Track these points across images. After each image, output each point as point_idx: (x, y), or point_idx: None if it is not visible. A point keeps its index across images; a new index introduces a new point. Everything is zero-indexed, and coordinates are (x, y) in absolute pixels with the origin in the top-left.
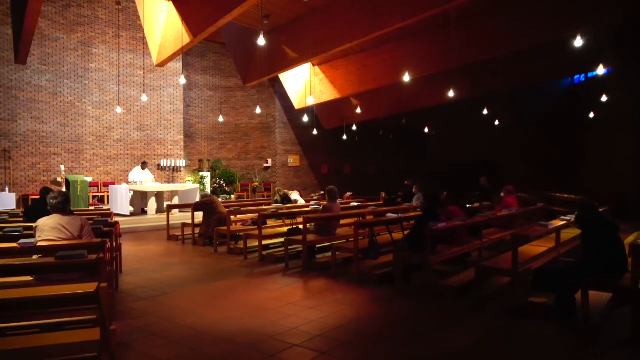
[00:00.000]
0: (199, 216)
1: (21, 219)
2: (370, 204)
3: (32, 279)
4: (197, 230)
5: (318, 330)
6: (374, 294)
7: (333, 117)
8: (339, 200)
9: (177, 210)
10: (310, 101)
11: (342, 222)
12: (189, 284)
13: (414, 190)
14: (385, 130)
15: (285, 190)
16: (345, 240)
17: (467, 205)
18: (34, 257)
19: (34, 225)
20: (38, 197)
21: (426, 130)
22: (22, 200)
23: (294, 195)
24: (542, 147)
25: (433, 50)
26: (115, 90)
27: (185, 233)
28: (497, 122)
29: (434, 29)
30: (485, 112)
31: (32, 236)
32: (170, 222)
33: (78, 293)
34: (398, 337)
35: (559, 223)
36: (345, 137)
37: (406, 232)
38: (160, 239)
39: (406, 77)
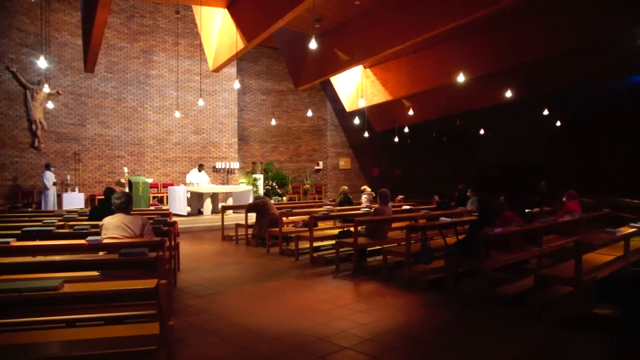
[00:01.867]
0: (252, 217)
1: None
2: (422, 207)
3: (98, 274)
4: (250, 231)
5: (368, 333)
6: (425, 299)
7: (384, 119)
8: (390, 203)
9: (231, 211)
10: (362, 103)
11: (394, 225)
12: (242, 284)
13: (468, 193)
14: (437, 132)
15: (354, 189)
16: (396, 244)
17: (526, 210)
18: (100, 253)
19: (100, 223)
20: (103, 197)
21: (481, 132)
22: (90, 200)
23: (364, 196)
24: (603, 150)
25: (486, 50)
26: (174, 96)
27: (238, 233)
28: (556, 123)
29: (487, 28)
30: (544, 112)
31: (99, 234)
32: (225, 223)
33: (139, 289)
34: (449, 343)
35: (629, 230)
36: (396, 139)
37: (460, 237)
38: (215, 238)
39: (459, 78)
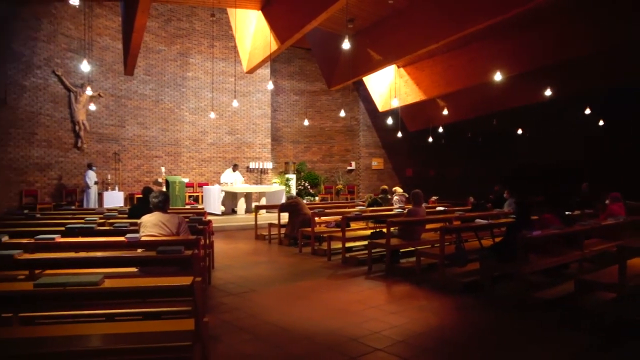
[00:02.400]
0: (285, 217)
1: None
2: (457, 208)
3: (136, 270)
4: (282, 231)
5: (401, 335)
6: (459, 303)
7: (418, 119)
8: (423, 204)
9: (264, 211)
10: (395, 103)
11: (427, 226)
12: (275, 283)
13: (505, 195)
14: (472, 132)
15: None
16: (430, 246)
17: (567, 213)
18: (138, 250)
19: (138, 221)
20: (141, 196)
21: (519, 131)
22: (129, 198)
23: (395, 197)
24: None
25: (523, 48)
26: (209, 97)
27: (271, 233)
28: (599, 123)
29: (523, 25)
30: (586, 111)
31: (137, 231)
32: (258, 222)
33: (175, 285)
34: (483, 348)
35: None
36: (430, 139)
37: (497, 240)
38: (248, 237)
39: (495, 77)
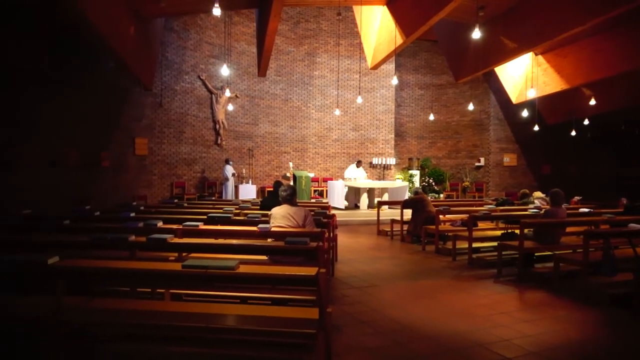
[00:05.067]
0: (407, 214)
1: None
2: (605, 210)
3: (266, 258)
4: (405, 227)
5: (534, 346)
6: (605, 317)
7: (558, 110)
8: (564, 205)
9: (386, 207)
10: (531, 94)
11: (568, 229)
12: (396, 279)
13: None
14: (626, 124)
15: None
16: (571, 251)
17: None
18: (268, 240)
19: (269, 213)
20: (271, 189)
21: None
22: (260, 191)
23: (537, 201)
24: None
25: None
26: (334, 94)
27: (394, 229)
28: None
29: None
30: None
31: (268, 222)
32: (380, 218)
33: (301, 275)
34: None
35: None
36: (573, 133)
37: None
38: (370, 233)
39: None
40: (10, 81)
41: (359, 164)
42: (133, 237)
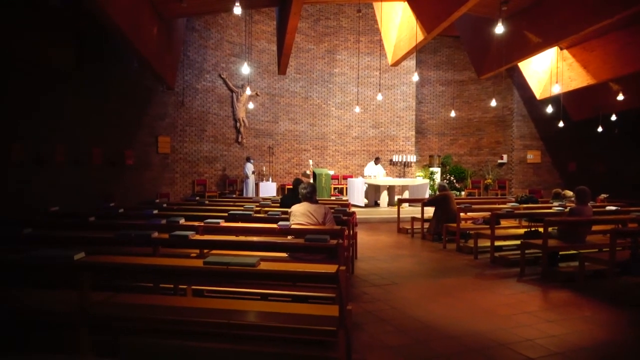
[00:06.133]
0: (428, 211)
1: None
2: (633, 209)
3: (286, 255)
4: (426, 225)
5: (558, 347)
6: (633, 318)
7: (584, 106)
8: (590, 203)
9: (406, 204)
10: (556, 90)
11: (594, 228)
12: (417, 277)
13: None
14: None
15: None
16: (597, 250)
17: None
18: (288, 237)
19: (289, 210)
20: (291, 187)
21: None
22: (280, 189)
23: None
24: None
25: None
26: (354, 92)
27: (414, 227)
28: None
29: None
30: None
31: (288, 219)
32: (400, 216)
33: (321, 272)
34: None
35: None
36: (600, 129)
37: None
38: (390, 230)
39: None
40: (37, 79)
41: (377, 160)
42: (156, 234)
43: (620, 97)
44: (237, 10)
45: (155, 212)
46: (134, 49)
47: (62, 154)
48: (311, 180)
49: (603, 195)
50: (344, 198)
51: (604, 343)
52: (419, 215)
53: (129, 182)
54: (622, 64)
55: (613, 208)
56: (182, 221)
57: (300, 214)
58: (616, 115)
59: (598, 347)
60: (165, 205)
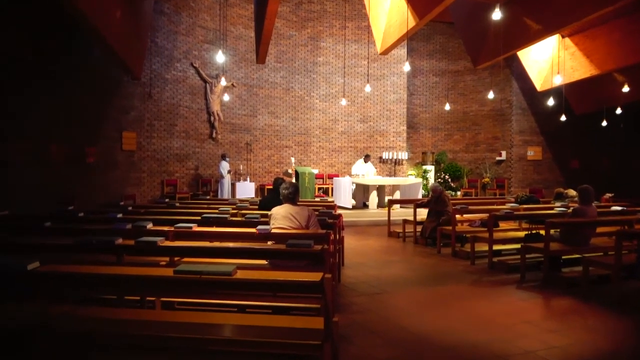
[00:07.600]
0: (421, 213)
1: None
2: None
3: (266, 262)
4: (419, 228)
5: (561, 359)
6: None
7: (587, 99)
8: (594, 203)
9: (398, 206)
10: (558, 81)
11: (598, 230)
12: (409, 285)
13: None
14: None
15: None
16: (601, 253)
17: None
18: (269, 242)
19: (268, 213)
20: (271, 187)
21: None
22: (259, 189)
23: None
24: None
25: None
26: (340, 83)
27: (406, 230)
28: None
29: None
30: None
31: (268, 223)
32: (391, 218)
33: (305, 281)
34: None
35: None
36: (604, 123)
37: None
38: (380, 234)
39: None
40: None
41: (367, 158)
42: (120, 240)
43: (626, 88)
44: None
45: (120, 215)
46: (96, 33)
47: (20, 152)
48: (293, 180)
49: (608, 195)
50: (330, 199)
51: (608, 354)
52: (411, 218)
53: (92, 183)
54: (627, 53)
55: (618, 208)
56: (149, 226)
57: (282, 217)
58: (621, 108)
59: (602, 357)
60: (130, 208)
